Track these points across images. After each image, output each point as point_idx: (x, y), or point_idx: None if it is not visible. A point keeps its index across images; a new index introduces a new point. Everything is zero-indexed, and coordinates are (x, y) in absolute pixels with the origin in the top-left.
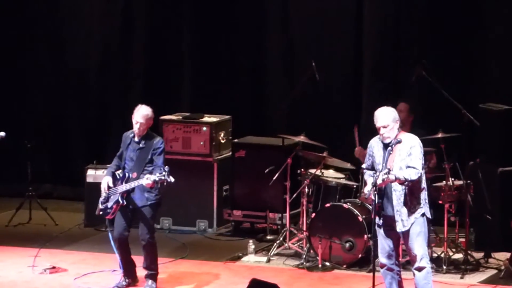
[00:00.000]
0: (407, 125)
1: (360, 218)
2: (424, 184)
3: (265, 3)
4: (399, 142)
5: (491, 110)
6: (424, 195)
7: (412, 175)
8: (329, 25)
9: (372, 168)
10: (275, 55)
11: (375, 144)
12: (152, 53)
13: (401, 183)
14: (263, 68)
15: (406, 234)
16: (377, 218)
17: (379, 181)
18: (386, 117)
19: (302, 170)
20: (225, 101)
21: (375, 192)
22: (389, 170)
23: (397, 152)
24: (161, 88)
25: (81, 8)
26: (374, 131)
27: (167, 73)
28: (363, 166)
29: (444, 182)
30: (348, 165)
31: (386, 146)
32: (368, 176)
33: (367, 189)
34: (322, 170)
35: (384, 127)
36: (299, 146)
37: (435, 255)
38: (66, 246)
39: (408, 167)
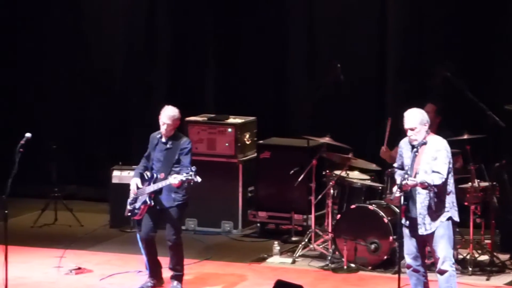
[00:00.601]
0: (433, 126)
1: (385, 220)
2: (451, 188)
3: (288, 5)
4: (425, 144)
5: None
6: (451, 199)
7: (436, 180)
8: (352, 26)
9: (402, 167)
10: (299, 56)
11: (404, 145)
12: (176, 54)
13: (424, 187)
14: (288, 69)
15: (431, 236)
16: (403, 219)
17: (406, 182)
18: (413, 119)
19: (327, 171)
20: (250, 102)
21: (401, 194)
22: (409, 174)
23: (423, 155)
24: (185, 89)
25: (105, 8)
26: (400, 132)
27: (191, 74)
28: (395, 165)
29: (469, 183)
30: (373, 166)
31: (414, 147)
32: (398, 176)
33: (394, 189)
34: (347, 171)
35: (411, 129)
36: (324, 147)
37: (460, 256)
38: (91, 247)
39: (433, 171)
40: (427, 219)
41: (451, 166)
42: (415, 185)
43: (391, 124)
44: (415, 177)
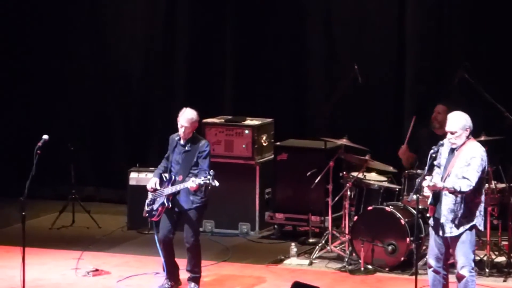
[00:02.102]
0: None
1: (402, 221)
2: (481, 197)
3: (306, 7)
4: (463, 144)
5: None
6: (479, 208)
7: (463, 186)
8: (371, 27)
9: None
10: (317, 58)
11: (446, 142)
12: (194, 56)
13: (451, 192)
14: (305, 71)
15: (454, 240)
16: (430, 220)
17: (428, 184)
18: (455, 123)
19: (344, 173)
20: (267, 104)
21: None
22: (440, 175)
23: (458, 158)
24: (203, 91)
25: (124, 11)
26: (416, 134)
27: (209, 76)
28: (435, 162)
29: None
30: (391, 168)
31: (452, 150)
32: (436, 174)
33: (425, 184)
34: (365, 173)
35: (452, 133)
36: (341, 149)
37: (477, 258)
38: (109, 248)
39: (463, 177)
40: (450, 222)
41: (481, 175)
42: (442, 189)
43: (414, 123)
44: (446, 179)
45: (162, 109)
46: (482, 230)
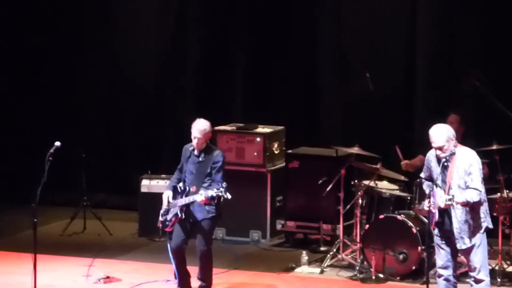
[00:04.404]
0: (458, 136)
1: (414, 230)
2: (484, 197)
3: (318, 15)
4: (453, 154)
5: None
6: (485, 208)
7: (474, 197)
8: (382, 35)
9: (430, 179)
10: (328, 65)
11: (432, 158)
12: (206, 64)
13: (464, 205)
14: (317, 78)
15: (468, 248)
16: (436, 230)
17: (441, 205)
18: (440, 138)
19: (356, 181)
20: (279, 111)
21: (433, 208)
22: (439, 186)
23: (454, 168)
24: (215, 98)
25: (135, 20)
26: (427, 143)
27: (221, 84)
28: (422, 175)
29: (498, 194)
30: (402, 177)
31: (443, 161)
32: (427, 187)
33: (426, 204)
34: (376, 181)
35: (440, 148)
36: (352, 157)
37: (489, 267)
38: (120, 255)
39: (470, 187)
40: (465, 233)
41: (482, 177)
42: (459, 204)
43: (399, 148)
44: (448, 191)
45: (173, 116)
46: (492, 227)
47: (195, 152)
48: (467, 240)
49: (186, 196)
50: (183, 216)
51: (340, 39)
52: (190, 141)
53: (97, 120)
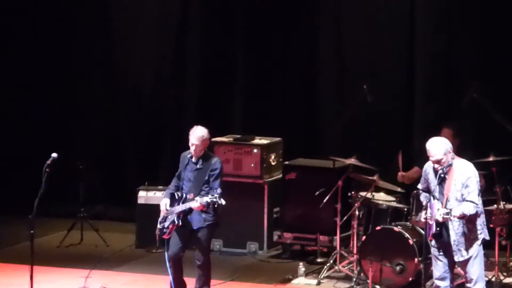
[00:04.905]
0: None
1: (410, 241)
2: (481, 208)
3: (318, 25)
4: (450, 165)
5: None
6: (482, 219)
7: (471, 210)
8: (381, 46)
9: (427, 191)
10: (327, 77)
11: (429, 170)
12: (205, 75)
13: (460, 218)
14: (315, 90)
15: (465, 260)
16: (433, 241)
17: (439, 218)
18: (438, 151)
19: (353, 192)
20: (277, 123)
21: (430, 220)
22: (437, 198)
23: (452, 181)
24: (213, 109)
25: (135, 30)
26: (425, 155)
27: (219, 95)
28: (419, 187)
29: (495, 205)
30: (399, 189)
31: (441, 173)
32: (424, 198)
33: (422, 216)
34: (373, 193)
35: (437, 162)
36: (350, 168)
37: (486, 279)
38: (117, 267)
39: (466, 200)
40: (462, 245)
41: (479, 190)
42: (456, 217)
43: (401, 156)
44: (446, 204)
45: (171, 128)
46: (489, 238)
47: (193, 159)
48: (464, 252)
49: (183, 203)
50: (180, 223)
51: (339, 50)
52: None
53: (95, 131)
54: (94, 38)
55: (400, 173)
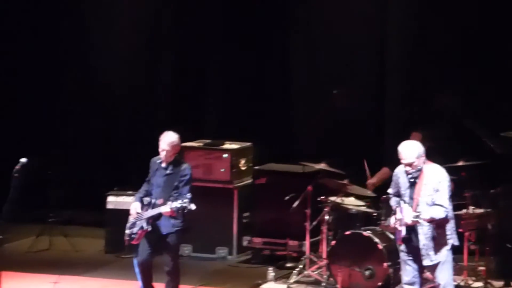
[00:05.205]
0: None
1: (380, 246)
2: (451, 214)
3: (290, 31)
4: (421, 170)
5: None
6: (451, 225)
7: (440, 214)
8: (353, 51)
9: (398, 195)
10: (298, 84)
11: (400, 174)
12: (176, 81)
13: (430, 222)
14: (287, 96)
15: (434, 265)
16: (402, 246)
17: (408, 221)
18: (410, 154)
19: (323, 197)
20: (248, 128)
21: (401, 225)
22: (406, 202)
23: (422, 185)
24: (184, 115)
25: (109, 31)
26: (396, 160)
27: (191, 101)
28: (389, 191)
29: (464, 210)
30: (369, 193)
31: (411, 177)
32: (395, 202)
33: (392, 220)
34: (343, 198)
35: (409, 165)
36: (320, 173)
37: (455, 283)
38: (87, 272)
39: (436, 204)
40: (431, 250)
41: (450, 193)
42: (420, 223)
43: (366, 163)
44: (416, 208)
45: (142, 132)
46: (458, 244)
47: (163, 165)
48: (433, 257)
49: (153, 208)
50: (150, 229)
51: (311, 57)
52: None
53: (65, 137)
54: (68, 45)
55: (368, 181)
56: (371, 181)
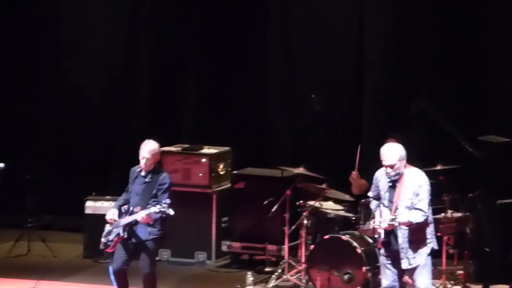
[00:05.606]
0: None
1: (358, 250)
2: (430, 218)
3: (267, 35)
4: (401, 174)
5: (490, 143)
6: (431, 229)
7: (418, 218)
8: (331, 55)
9: (378, 198)
10: (276, 88)
11: (381, 178)
12: (155, 86)
13: (407, 225)
14: (266, 100)
15: (413, 268)
16: (382, 250)
17: (384, 225)
18: (392, 156)
19: (301, 202)
20: (226, 133)
21: (379, 228)
22: (386, 206)
23: (402, 189)
24: (163, 120)
25: (85, 37)
26: (375, 163)
27: (169, 106)
28: (369, 194)
29: (443, 214)
30: (347, 197)
31: (391, 181)
32: (375, 206)
33: (371, 224)
34: (321, 202)
35: (391, 166)
36: (299, 177)
37: (433, 287)
38: (65, 277)
39: (415, 208)
40: (410, 253)
41: (430, 197)
42: (397, 226)
43: (360, 150)
44: (395, 211)
45: (121, 138)
46: (437, 248)
47: (142, 173)
48: (412, 260)
49: (130, 215)
50: (126, 235)
51: (289, 61)
52: (138, 162)
53: (44, 142)
54: (44, 50)
55: (355, 172)
56: (356, 173)
